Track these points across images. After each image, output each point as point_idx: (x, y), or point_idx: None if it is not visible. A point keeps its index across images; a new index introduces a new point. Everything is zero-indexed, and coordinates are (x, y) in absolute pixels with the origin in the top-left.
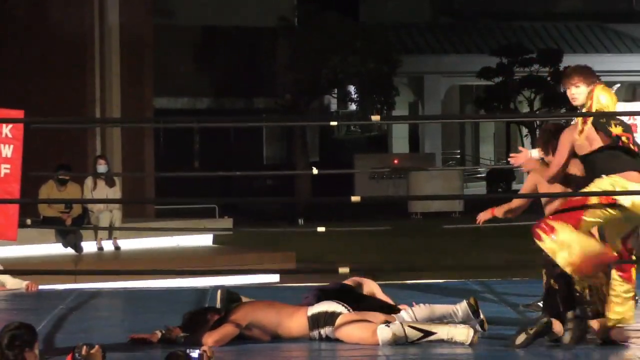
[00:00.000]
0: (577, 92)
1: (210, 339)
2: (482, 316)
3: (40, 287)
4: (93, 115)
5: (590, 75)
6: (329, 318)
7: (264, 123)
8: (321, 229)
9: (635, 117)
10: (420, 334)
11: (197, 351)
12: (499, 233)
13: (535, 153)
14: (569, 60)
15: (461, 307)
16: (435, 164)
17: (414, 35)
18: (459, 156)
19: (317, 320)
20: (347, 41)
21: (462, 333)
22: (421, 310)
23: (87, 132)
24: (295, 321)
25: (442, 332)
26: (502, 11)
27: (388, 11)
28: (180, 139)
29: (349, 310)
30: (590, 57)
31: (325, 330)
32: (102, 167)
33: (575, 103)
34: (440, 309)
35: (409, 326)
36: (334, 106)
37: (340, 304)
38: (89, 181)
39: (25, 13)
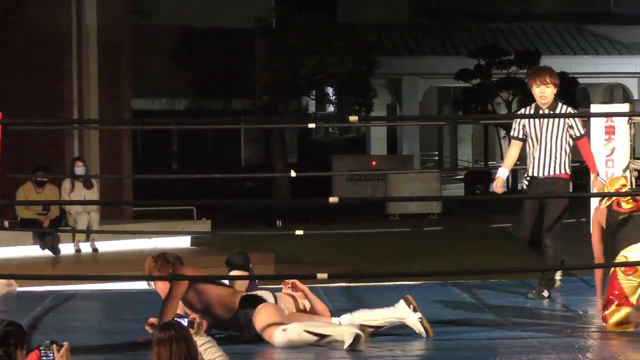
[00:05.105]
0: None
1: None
2: (420, 314)
3: (18, 289)
4: (71, 117)
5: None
6: (255, 301)
7: (242, 124)
8: (299, 232)
9: (613, 119)
10: (316, 338)
11: (187, 319)
12: (476, 234)
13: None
14: (547, 61)
15: (398, 305)
16: (413, 166)
17: (392, 36)
18: (437, 158)
19: (247, 300)
20: (325, 42)
21: (346, 333)
22: (360, 313)
23: (64, 134)
24: (234, 297)
25: (335, 333)
26: (480, 12)
27: (366, 12)
28: (158, 140)
29: (275, 301)
30: (568, 58)
31: (248, 312)
32: (79, 170)
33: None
34: (380, 310)
35: (305, 331)
36: (312, 107)
37: (272, 294)
38: (66, 183)
39: (2, 14)
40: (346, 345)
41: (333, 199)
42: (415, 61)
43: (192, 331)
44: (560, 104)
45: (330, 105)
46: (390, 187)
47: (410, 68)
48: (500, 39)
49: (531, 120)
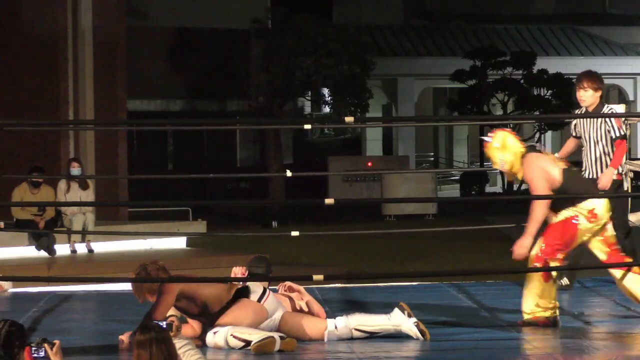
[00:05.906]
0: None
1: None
2: (415, 319)
3: (14, 289)
4: (66, 117)
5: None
6: (244, 294)
7: (238, 126)
8: (295, 233)
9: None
10: (242, 343)
11: (165, 322)
12: (471, 235)
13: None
14: (543, 62)
15: (393, 314)
16: (409, 167)
17: (388, 37)
18: (432, 159)
19: (238, 294)
20: (320, 43)
21: (265, 336)
22: (355, 316)
23: (60, 134)
24: (229, 294)
25: (258, 339)
26: (476, 13)
27: (361, 13)
28: (154, 141)
29: (263, 294)
30: (563, 59)
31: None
32: (75, 170)
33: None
34: (375, 316)
35: (232, 335)
36: (307, 109)
37: (263, 287)
38: (62, 184)
39: None
40: (253, 343)
41: (329, 200)
42: (410, 62)
43: (170, 334)
44: (605, 107)
45: (326, 106)
46: (386, 188)
47: (405, 69)
48: (495, 40)
49: (580, 121)
